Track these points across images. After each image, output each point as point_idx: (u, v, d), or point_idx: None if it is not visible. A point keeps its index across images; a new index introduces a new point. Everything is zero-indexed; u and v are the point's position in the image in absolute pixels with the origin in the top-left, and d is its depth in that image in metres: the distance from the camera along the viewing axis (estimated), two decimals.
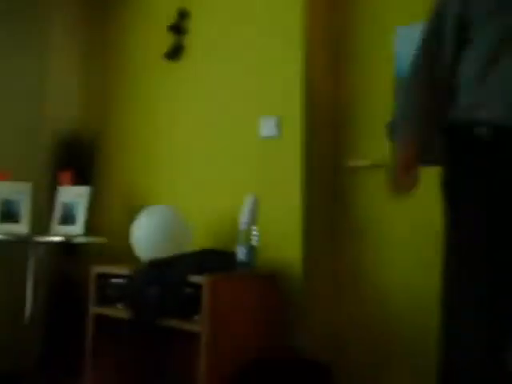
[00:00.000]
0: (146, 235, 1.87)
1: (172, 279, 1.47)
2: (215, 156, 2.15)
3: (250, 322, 1.61)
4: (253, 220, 1.74)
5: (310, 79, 2.00)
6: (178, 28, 2.36)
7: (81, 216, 2.15)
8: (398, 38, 2.00)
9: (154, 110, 2.41)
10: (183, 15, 2.33)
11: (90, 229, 2.26)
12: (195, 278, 1.47)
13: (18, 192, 2.14)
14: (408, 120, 1.32)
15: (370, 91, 2.07)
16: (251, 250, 1.69)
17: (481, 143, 1.16)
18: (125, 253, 2.21)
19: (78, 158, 2.53)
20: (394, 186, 1.31)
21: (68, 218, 2.17)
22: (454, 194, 1.25)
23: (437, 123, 1.31)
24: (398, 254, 1.93)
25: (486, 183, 1.16)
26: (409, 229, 1.91)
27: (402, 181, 1.29)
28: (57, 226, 2.20)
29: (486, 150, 1.16)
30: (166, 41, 2.37)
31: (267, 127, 2.02)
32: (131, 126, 2.49)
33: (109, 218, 2.46)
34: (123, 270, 1.68)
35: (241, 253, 1.68)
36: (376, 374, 1.93)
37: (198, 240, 2.05)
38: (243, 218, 1.74)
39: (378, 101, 2.04)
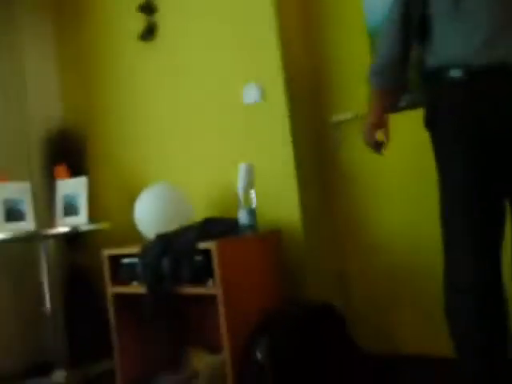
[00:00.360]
0: (149, 214, 1.93)
1: (182, 248, 1.55)
2: (203, 128, 2.20)
3: (259, 280, 1.71)
4: (250, 184, 1.80)
5: (285, 42, 2.03)
6: (149, 7, 2.37)
7: (83, 205, 2.22)
8: None
9: (136, 92, 2.44)
10: None
11: (93, 217, 2.32)
12: (203, 245, 1.54)
13: (18, 191, 2.19)
14: (384, 70, 1.40)
15: (343, 45, 2.12)
16: (252, 213, 1.77)
17: (456, 83, 1.25)
18: (130, 235, 2.28)
19: (68, 151, 2.57)
20: (367, 142, 1.42)
21: (71, 210, 2.23)
22: (435, 133, 1.34)
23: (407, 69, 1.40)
24: (392, 198, 2.02)
25: (460, 119, 1.25)
26: (399, 172, 1.99)
27: (373, 136, 1.40)
28: (61, 219, 2.26)
29: (460, 89, 1.25)
30: (139, 21, 2.38)
31: (250, 94, 2.06)
32: (116, 110, 2.51)
33: (109, 204, 2.52)
34: (133, 249, 1.75)
35: (242, 217, 1.76)
36: (381, 318, 2.05)
37: (199, 212, 2.12)
38: (240, 183, 1.80)
39: (353, 53, 2.09)
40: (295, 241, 1.95)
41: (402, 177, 1.99)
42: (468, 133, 1.24)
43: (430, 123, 1.35)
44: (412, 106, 1.92)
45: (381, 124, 1.42)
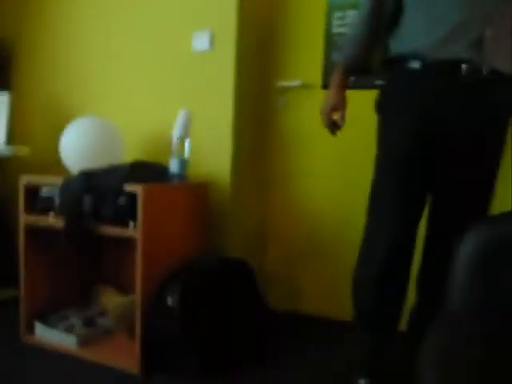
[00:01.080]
0: (76, 147, 1.84)
1: (107, 187, 1.51)
2: (147, 71, 2.10)
3: (183, 229, 1.72)
4: (185, 134, 1.78)
5: None
6: None
7: (1, 125, 2.05)
8: None
9: (79, 15, 2.26)
10: None
11: (12, 139, 2.17)
12: (130, 187, 1.52)
13: None
14: (345, 45, 1.44)
15: (301, 14, 2.10)
16: (183, 162, 1.75)
17: (412, 73, 1.31)
18: (52, 165, 2.18)
19: None
20: (325, 122, 1.45)
21: None
22: (382, 116, 1.40)
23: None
24: (321, 168, 2.10)
25: (408, 106, 1.32)
26: (333, 145, 2.07)
27: (330, 118, 1.43)
28: None
29: (414, 79, 1.31)
30: None
31: (201, 42, 2.00)
32: (53, 28, 2.31)
33: (33, 129, 2.36)
34: (54, 180, 1.67)
35: (173, 165, 1.74)
36: (292, 279, 2.18)
37: (131, 154, 2.07)
38: (176, 131, 1.77)
39: (309, 23, 2.09)
40: (222, 195, 1.98)
41: (335, 150, 2.07)
42: (413, 120, 1.31)
43: (380, 107, 1.41)
44: (359, 87, 1.98)
45: (338, 106, 1.44)
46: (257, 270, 2.04)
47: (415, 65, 1.31)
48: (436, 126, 1.31)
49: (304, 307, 2.16)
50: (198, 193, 1.82)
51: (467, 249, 0.90)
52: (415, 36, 1.31)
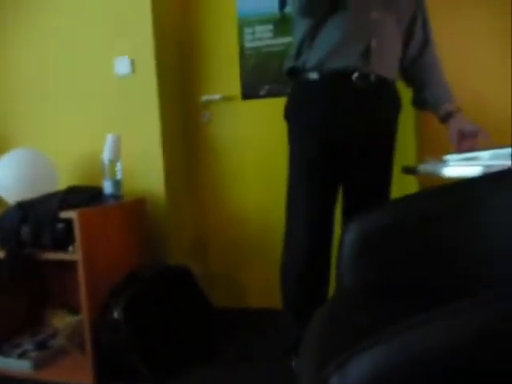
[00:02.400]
0: (10, 179, 1.91)
1: (42, 216, 1.60)
2: (74, 97, 2.19)
3: (122, 247, 1.84)
4: (116, 156, 1.88)
5: (157, 18, 2.10)
6: None
7: None
8: None
9: (5, 45, 2.30)
10: None
11: None
12: (65, 214, 1.61)
13: None
14: None
15: (215, 30, 2.26)
16: (116, 183, 1.86)
17: (312, 83, 1.48)
18: None
19: None
20: None
21: None
22: (289, 125, 1.57)
23: None
24: (249, 174, 2.27)
25: (311, 112, 1.49)
26: (258, 152, 2.24)
27: None
28: None
29: (314, 88, 1.48)
30: None
31: (122, 66, 2.10)
32: None
33: None
34: None
35: (107, 187, 1.84)
36: (233, 278, 2.34)
37: (65, 180, 2.14)
38: (106, 154, 1.87)
39: (223, 40, 2.25)
40: (159, 209, 2.10)
41: (259, 155, 2.24)
42: (314, 128, 1.48)
43: (286, 116, 1.58)
44: (273, 94, 2.16)
45: None
46: (201, 274, 2.18)
47: (314, 76, 1.49)
48: (333, 130, 1.49)
49: (248, 302, 2.33)
50: (133, 209, 1.94)
51: (350, 236, 1.09)
52: (317, 49, 1.48)
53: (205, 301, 1.91)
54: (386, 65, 1.50)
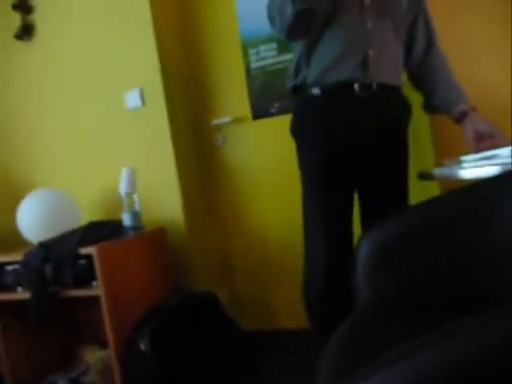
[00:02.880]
0: (33, 219, 1.96)
1: (63, 254, 1.62)
2: (88, 133, 2.24)
3: (145, 278, 1.84)
4: (132, 188, 1.91)
5: (162, 49, 2.14)
6: (23, 6, 2.33)
7: None
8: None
9: (18, 92, 2.40)
10: None
11: None
12: (85, 250, 1.64)
13: None
14: None
15: (220, 54, 2.28)
16: (135, 214, 1.88)
17: (315, 98, 1.46)
18: (13, 240, 2.27)
19: None
20: None
21: None
22: (296, 141, 1.55)
23: None
24: (268, 194, 2.25)
25: (316, 128, 1.47)
26: (276, 171, 2.23)
27: None
28: None
29: (318, 103, 1.46)
30: (16, 20, 2.33)
31: (132, 99, 2.15)
32: None
33: None
34: (16, 256, 1.78)
35: (126, 219, 1.87)
36: (261, 300, 2.31)
37: (86, 216, 2.18)
38: (123, 187, 1.90)
39: (229, 63, 2.27)
40: (180, 237, 2.10)
41: (276, 174, 2.23)
42: (320, 144, 1.46)
43: (294, 131, 1.56)
44: (284, 111, 2.14)
45: None
46: (228, 298, 2.16)
47: (316, 91, 1.47)
48: (341, 143, 1.46)
49: (278, 323, 2.28)
50: (153, 239, 1.95)
51: (364, 250, 1.06)
52: (316, 65, 1.47)
53: (232, 325, 1.89)
54: (387, 72, 1.47)
